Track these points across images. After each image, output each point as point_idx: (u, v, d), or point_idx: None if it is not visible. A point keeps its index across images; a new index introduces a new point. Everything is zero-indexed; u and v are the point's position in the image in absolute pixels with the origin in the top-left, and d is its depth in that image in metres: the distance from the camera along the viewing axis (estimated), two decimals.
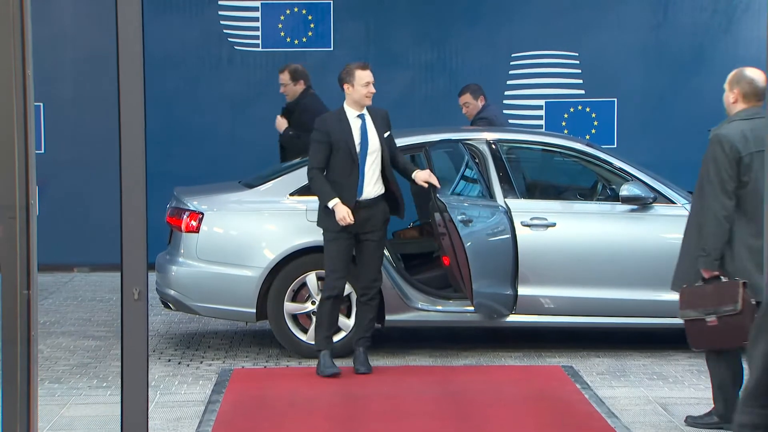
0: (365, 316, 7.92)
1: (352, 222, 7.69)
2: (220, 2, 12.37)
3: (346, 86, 7.82)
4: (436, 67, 12.39)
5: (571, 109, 12.43)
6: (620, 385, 7.61)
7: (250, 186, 8.76)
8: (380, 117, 7.94)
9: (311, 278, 8.30)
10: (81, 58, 12.17)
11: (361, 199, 7.76)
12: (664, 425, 6.68)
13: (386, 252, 8.22)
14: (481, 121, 9.96)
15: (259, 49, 12.38)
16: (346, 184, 7.77)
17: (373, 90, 7.82)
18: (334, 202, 7.68)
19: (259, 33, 12.37)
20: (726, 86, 6.38)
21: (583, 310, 8.31)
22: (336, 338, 8.28)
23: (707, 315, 6.23)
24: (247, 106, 12.31)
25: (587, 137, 11.81)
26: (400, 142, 8.31)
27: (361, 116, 7.83)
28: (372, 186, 7.83)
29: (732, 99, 6.35)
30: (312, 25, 12.39)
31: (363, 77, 7.77)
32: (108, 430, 6.64)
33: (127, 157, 4.34)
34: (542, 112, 12.43)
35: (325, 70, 11.59)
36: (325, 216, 7.82)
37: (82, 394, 7.44)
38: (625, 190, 8.37)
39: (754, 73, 6.32)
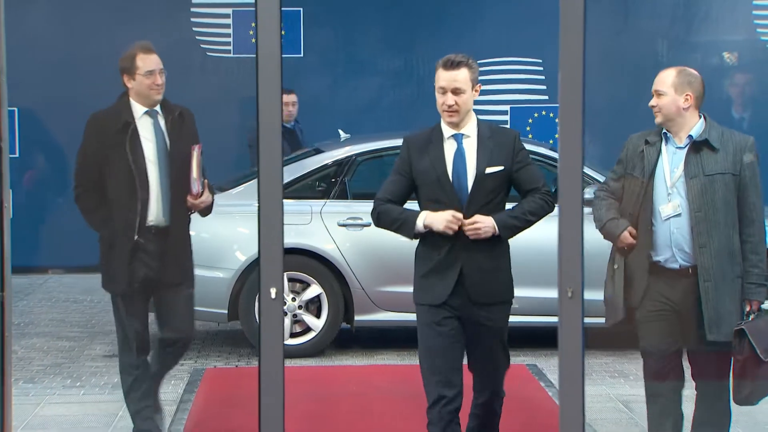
0: None
1: (462, 220, 5.12)
2: (192, 9, 12.47)
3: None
4: (403, 73, 12.51)
5: (536, 114, 12.58)
6: None
7: (222, 189, 8.83)
8: (496, 143, 5.27)
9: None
10: (55, 62, 12.22)
11: None
12: (625, 422, 6.78)
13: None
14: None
15: (231, 55, 12.48)
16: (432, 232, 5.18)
17: (447, 100, 5.17)
18: (424, 216, 5.14)
19: (230, 39, 12.47)
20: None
21: (548, 310, 8.37)
22: (305, 339, 8.38)
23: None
24: (219, 111, 12.37)
25: (551, 142, 11.95)
26: (365, 147, 8.33)
27: (457, 137, 5.23)
28: None
29: None
30: (282, 32, 12.47)
31: (437, 79, 5.22)
32: (81, 429, 6.70)
33: (265, 164, 4.22)
34: (507, 117, 12.57)
35: (296, 76, 11.69)
36: (420, 285, 5.29)
37: (56, 394, 7.48)
38: (588, 193, 8.49)
39: None
